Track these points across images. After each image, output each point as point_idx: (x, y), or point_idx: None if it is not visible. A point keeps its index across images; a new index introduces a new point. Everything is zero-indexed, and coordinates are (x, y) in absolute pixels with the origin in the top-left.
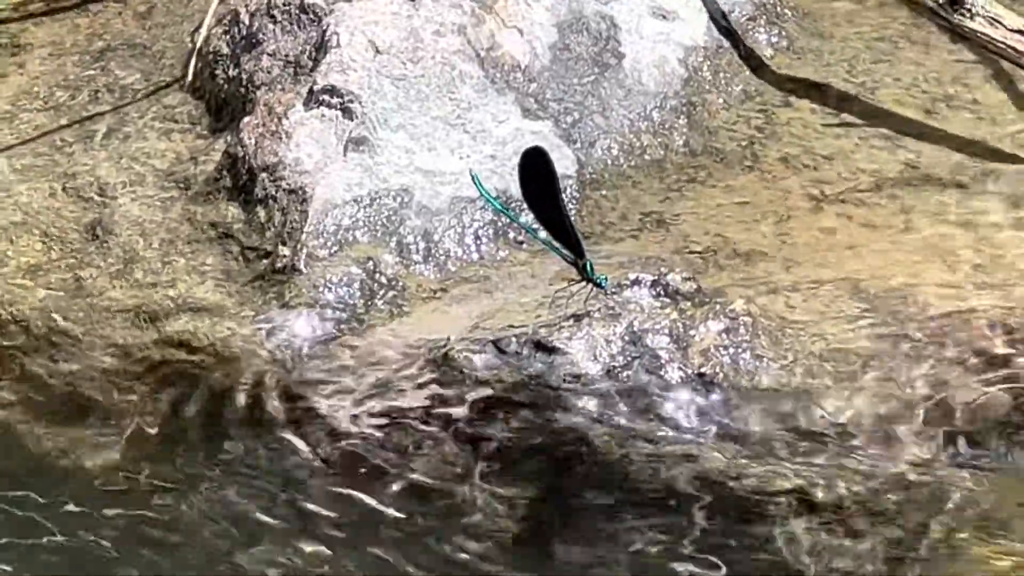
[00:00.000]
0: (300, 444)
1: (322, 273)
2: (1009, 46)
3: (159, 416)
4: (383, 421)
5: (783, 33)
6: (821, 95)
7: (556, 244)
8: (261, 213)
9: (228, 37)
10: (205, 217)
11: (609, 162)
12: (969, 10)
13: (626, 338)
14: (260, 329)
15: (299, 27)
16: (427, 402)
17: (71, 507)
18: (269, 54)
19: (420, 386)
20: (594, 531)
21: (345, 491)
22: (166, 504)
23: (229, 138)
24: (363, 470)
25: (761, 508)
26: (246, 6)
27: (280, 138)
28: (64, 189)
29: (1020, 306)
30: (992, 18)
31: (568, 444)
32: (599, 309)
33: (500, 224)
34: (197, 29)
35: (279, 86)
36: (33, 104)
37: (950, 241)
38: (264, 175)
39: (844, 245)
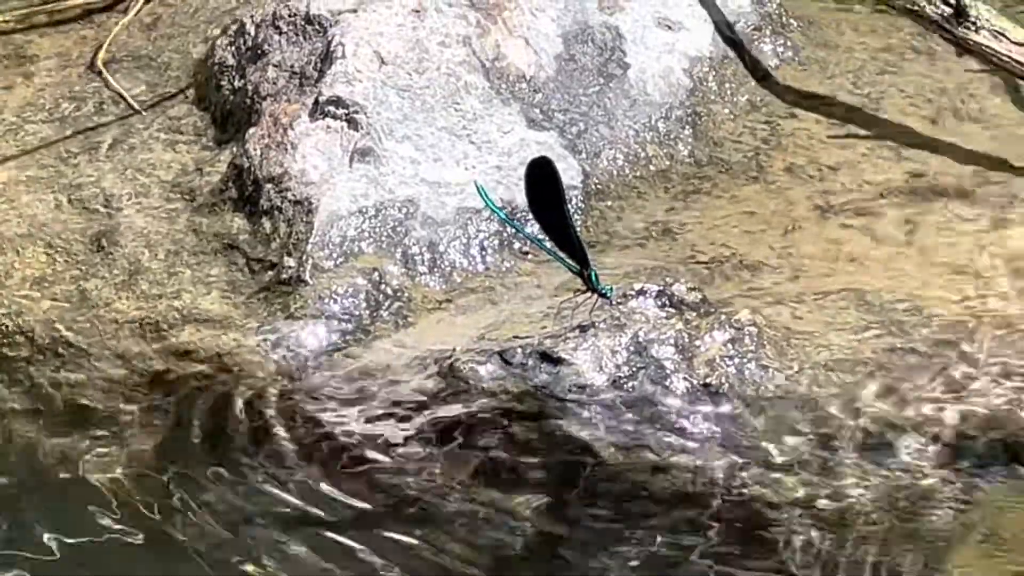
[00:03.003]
0: (305, 455)
1: (327, 284)
2: (1013, 59)
3: (164, 427)
4: (388, 432)
5: (788, 43)
6: (827, 106)
7: (561, 254)
8: (266, 224)
9: (233, 48)
10: (210, 228)
11: (614, 172)
12: (973, 23)
13: (631, 348)
14: (265, 340)
15: (304, 38)
16: (432, 413)
17: (75, 517)
18: (275, 65)
19: (425, 397)
20: (598, 541)
21: (350, 501)
22: (171, 514)
23: (235, 149)
24: (368, 481)
25: (766, 517)
26: (251, 17)
27: (285, 149)
28: (69, 200)
29: None
30: (996, 31)
31: (573, 454)
32: (604, 320)
33: (505, 235)
34: (204, 40)
35: (284, 97)
36: (38, 115)
37: (955, 251)
38: (269, 186)
39: (849, 255)
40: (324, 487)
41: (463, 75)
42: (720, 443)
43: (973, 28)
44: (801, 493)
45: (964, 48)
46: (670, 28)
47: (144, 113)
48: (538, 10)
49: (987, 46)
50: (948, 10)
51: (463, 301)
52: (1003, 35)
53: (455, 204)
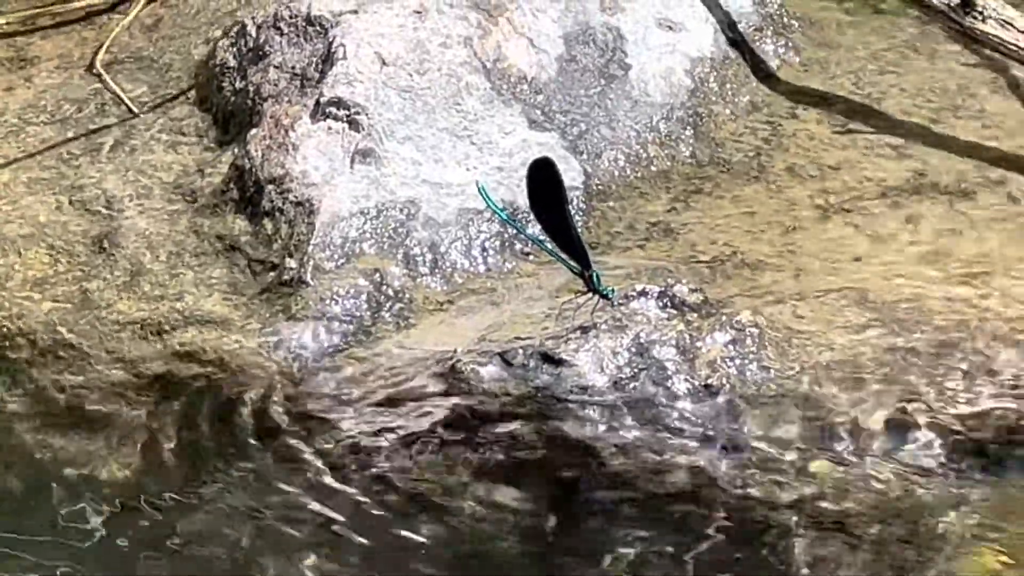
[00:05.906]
0: (307, 456)
1: (329, 285)
2: (1021, 48)
3: (166, 429)
4: (390, 433)
5: (790, 44)
6: (828, 105)
7: (563, 256)
8: (268, 225)
9: (235, 49)
10: (212, 229)
11: (616, 173)
12: (980, 13)
13: (633, 350)
14: (267, 341)
15: (306, 39)
16: (434, 414)
17: (78, 519)
18: (276, 66)
19: (427, 398)
20: (599, 542)
21: (351, 502)
22: (173, 516)
23: (236, 150)
24: (369, 481)
25: (767, 518)
26: (253, 18)
27: (287, 150)
28: (71, 202)
29: None
30: (1004, 20)
31: (574, 456)
32: (606, 321)
33: (507, 236)
34: (205, 42)
35: (286, 98)
36: (40, 117)
37: (957, 250)
38: (271, 187)
39: (851, 255)
40: (325, 488)
41: (464, 76)
42: (721, 444)
43: (980, 18)
44: (802, 494)
45: (971, 38)
46: (671, 29)
47: (143, 115)
48: (539, 11)
49: (994, 35)
50: (955, 0)
51: (464, 302)
52: (1011, 24)
53: (456, 205)
